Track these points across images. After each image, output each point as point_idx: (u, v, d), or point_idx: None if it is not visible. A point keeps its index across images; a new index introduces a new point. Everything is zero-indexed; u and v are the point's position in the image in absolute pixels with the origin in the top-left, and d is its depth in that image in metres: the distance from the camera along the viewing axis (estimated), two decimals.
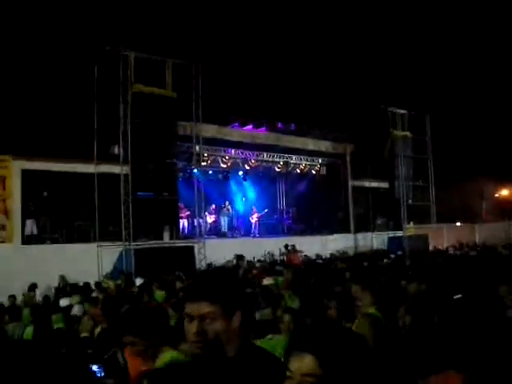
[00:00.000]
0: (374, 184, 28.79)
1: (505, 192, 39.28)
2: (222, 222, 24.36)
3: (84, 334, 6.39)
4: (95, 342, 5.83)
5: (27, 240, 17.88)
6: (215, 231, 23.99)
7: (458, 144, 32.69)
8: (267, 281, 10.59)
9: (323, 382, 1.53)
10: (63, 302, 9.32)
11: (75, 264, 16.27)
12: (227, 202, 24.80)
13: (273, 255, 21.91)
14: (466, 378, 1.66)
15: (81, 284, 13.80)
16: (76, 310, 8.30)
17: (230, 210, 24.77)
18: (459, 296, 3.14)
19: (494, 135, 33.66)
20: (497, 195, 39.89)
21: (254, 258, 21.15)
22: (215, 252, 20.05)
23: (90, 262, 17.11)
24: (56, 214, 18.56)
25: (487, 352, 1.77)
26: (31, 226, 18.01)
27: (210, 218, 23.89)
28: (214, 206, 24.28)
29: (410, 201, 28.96)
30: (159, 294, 10.22)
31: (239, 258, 20.99)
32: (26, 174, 18.11)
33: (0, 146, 17.51)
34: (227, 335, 2.07)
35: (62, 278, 15.88)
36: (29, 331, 7.12)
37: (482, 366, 1.71)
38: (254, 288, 9.54)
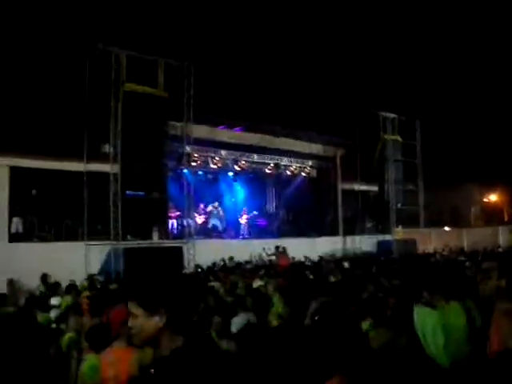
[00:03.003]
0: (364, 187, 28.83)
1: (493, 197, 39.46)
2: (214, 223, 24.27)
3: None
4: None
5: (14, 238, 17.74)
6: (204, 232, 23.90)
7: (447, 149, 32.84)
8: (256, 283, 10.62)
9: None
10: (54, 301, 9.23)
11: (62, 263, 16.16)
12: (216, 203, 24.72)
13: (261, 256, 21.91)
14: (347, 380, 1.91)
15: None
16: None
17: (221, 212, 24.71)
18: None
19: (483, 140, 33.82)
20: (485, 200, 40.07)
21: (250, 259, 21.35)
22: (204, 253, 20.04)
23: (77, 260, 17.03)
24: (44, 212, 18.45)
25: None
26: (17, 224, 17.89)
27: (200, 219, 23.81)
28: (202, 206, 24.21)
29: (399, 204, 29.08)
30: None
31: (231, 259, 21.02)
32: (14, 171, 17.98)
33: None
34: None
35: (11, 282, 15.55)
36: None
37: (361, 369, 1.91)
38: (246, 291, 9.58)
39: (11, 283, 15.22)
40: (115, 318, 5.19)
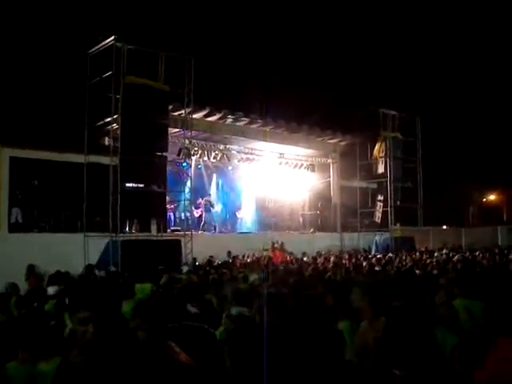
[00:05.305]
0: (363, 184, 28.85)
1: (492, 197, 39.51)
2: (210, 217, 24.26)
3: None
4: None
5: (13, 228, 17.82)
6: (201, 225, 23.89)
7: (448, 147, 32.85)
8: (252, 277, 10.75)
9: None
10: (51, 290, 9.19)
11: (61, 253, 16.20)
12: (214, 197, 24.71)
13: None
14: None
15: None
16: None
17: (218, 205, 24.74)
18: None
19: (484, 139, 33.85)
20: (484, 200, 40.12)
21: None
22: (201, 246, 20.06)
23: (76, 251, 17.08)
24: (44, 203, 18.51)
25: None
26: (16, 215, 17.96)
27: (197, 213, 23.84)
28: (200, 200, 24.22)
29: (397, 202, 29.03)
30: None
31: (229, 253, 21.07)
32: (14, 162, 18.04)
33: None
34: None
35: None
36: None
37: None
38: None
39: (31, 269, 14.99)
40: None
